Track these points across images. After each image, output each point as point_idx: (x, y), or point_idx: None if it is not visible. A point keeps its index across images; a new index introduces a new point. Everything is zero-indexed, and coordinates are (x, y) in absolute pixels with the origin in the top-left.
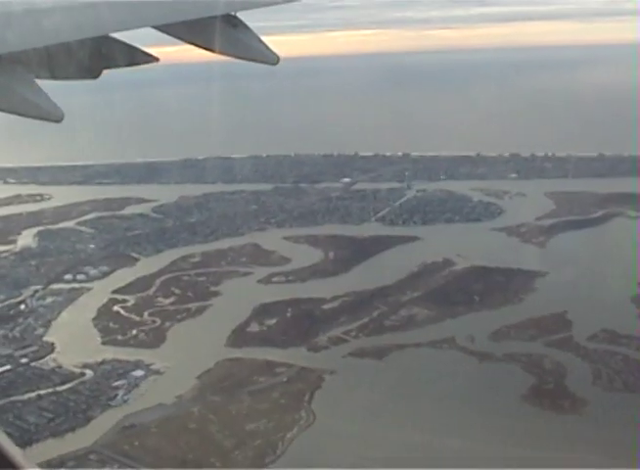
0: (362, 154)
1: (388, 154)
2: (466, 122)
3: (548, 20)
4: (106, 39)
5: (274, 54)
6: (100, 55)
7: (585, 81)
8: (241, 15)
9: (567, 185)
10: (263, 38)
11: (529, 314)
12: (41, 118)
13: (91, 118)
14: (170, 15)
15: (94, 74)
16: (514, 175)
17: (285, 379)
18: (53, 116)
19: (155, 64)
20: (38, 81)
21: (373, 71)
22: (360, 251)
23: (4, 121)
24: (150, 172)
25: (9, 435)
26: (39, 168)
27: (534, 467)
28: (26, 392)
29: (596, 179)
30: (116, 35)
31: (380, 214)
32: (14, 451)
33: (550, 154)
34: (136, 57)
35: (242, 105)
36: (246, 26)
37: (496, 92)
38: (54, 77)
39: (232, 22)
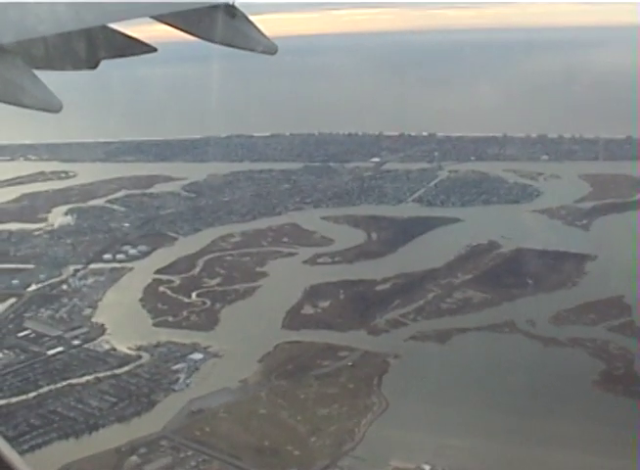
0: (387, 133)
1: (413, 134)
2: (484, 103)
3: (551, 1)
4: (103, 29)
5: (273, 44)
6: (97, 45)
7: (598, 62)
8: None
9: (599, 167)
10: (269, 16)
11: (586, 298)
12: (39, 109)
13: (108, 97)
14: (168, 4)
15: (92, 65)
16: (545, 157)
17: (350, 363)
18: (51, 106)
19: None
20: (36, 72)
21: (383, 51)
22: (403, 232)
23: None
24: (172, 150)
25: (72, 419)
26: (59, 145)
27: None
28: (84, 375)
29: (627, 162)
30: (114, 25)
31: (416, 195)
32: (12, 456)
33: (577, 136)
34: (134, 47)
35: (251, 84)
36: (244, 16)
37: (510, 73)
38: (51, 68)
39: (230, 11)
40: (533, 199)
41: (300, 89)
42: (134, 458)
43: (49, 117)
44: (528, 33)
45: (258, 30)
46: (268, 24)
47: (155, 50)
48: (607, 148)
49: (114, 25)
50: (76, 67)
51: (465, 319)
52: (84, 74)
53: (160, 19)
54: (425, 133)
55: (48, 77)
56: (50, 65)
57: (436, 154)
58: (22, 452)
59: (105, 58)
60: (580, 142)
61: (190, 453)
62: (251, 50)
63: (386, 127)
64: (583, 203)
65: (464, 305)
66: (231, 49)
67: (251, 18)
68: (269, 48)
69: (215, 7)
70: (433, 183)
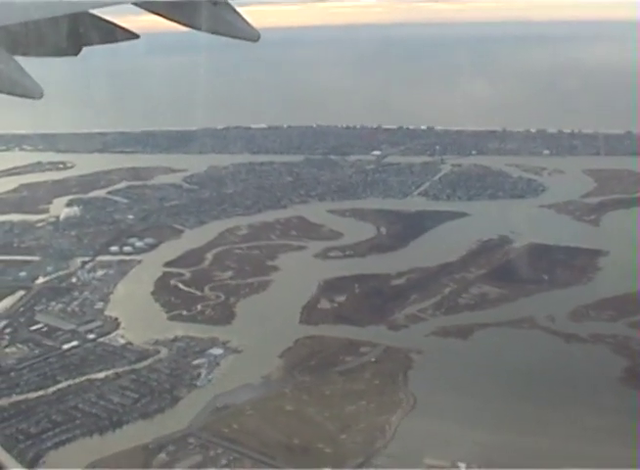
0: (385, 126)
1: (411, 127)
2: (480, 97)
3: None
4: (85, 16)
5: (255, 30)
6: (79, 32)
7: (588, 57)
8: None
9: (601, 163)
10: (255, 8)
11: (602, 294)
12: (20, 95)
13: (101, 86)
14: None
15: (73, 51)
16: (546, 152)
17: (373, 359)
18: (32, 92)
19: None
20: (19, 58)
21: (371, 44)
22: (412, 226)
23: None
24: (170, 141)
25: (94, 415)
26: (54, 136)
27: None
28: (102, 370)
29: (629, 157)
30: (96, 12)
31: (421, 189)
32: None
33: (577, 131)
34: (116, 34)
35: (241, 75)
36: (226, 3)
37: (501, 67)
38: (33, 54)
39: None
40: (539, 194)
41: (290, 81)
42: (162, 456)
43: (40, 105)
44: (517, 27)
45: (241, 18)
46: (255, 16)
47: (137, 37)
48: (607, 143)
49: (96, 12)
50: (58, 53)
51: (484, 315)
52: (72, 64)
53: (145, 6)
54: (423, 127)
55: (44, 66)
56: (32, 51)
57: (437, 147)
58: (45, 449)
59: (87, 44)
60: (580, 137)
61: (220, 451)
62: (234, 37)
63: (383, 120)
64: (590, 198)
65: (481, 300)
66: (220, 39)
67: (238, 10)
68: (252, 35)
69: None
70: (437, 177)
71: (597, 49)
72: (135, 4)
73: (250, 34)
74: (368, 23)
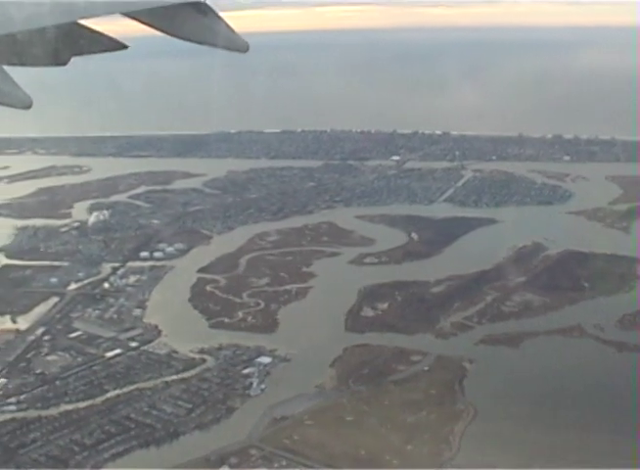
0: (400, 131)
1: (427, 132)
2: (490, 102)
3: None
4: (74, 26)
5: (244, 41)
6: (68, 42)
7: (588, 64)
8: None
9: (623, 169)
10: (252, 12)
11: None
12: (9, 105)
13: (113, 90)
14: (139, 2)
15: (62, 61)
16: (566, 158)
17: (426, 368)
18: (21, 102)
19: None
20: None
21: (368, 48)
22: (443, 232)
23: None
24: (184, 145)
25: (149, 426)
26: (66, 139)
27: None
28: (150, 378)
29: None
30: (85, 22)
31: (446, 195)
32: None
33: (593, 137)
34: (104, 44)
35: (244, 80)
36: (215, 14)
37: (502, 72)
38: (22, 64)
39: (201, 9)
40: (566, 200)
41: (293, 86)
42: (226, 469)
43: (48, 109)
44: (515, 33)
45: (230, 28)
46: (252, 21)
47: (125, 47)
48: (625, 149)
49: (84, 22)
50: (47, 63)
51: (531, 323)
52: (69, 67)
53: (132, 15)
54: (438, 132)
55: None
56: (21, 61)
57: (457, 153)
58: (103, 461)
59: (75, 54)
60: (598, 143)
61: (284, 464)
62: (222, 48)
63: (397, 125)
64: (618, 205)
65: (525, 308)
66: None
67: (236, 14)
68: (240, 46)
69: (187, 4)
70: (460, 183)
71: (607, 55)
72: (123, 14)
73: (238, 45)
74: (365, 27)
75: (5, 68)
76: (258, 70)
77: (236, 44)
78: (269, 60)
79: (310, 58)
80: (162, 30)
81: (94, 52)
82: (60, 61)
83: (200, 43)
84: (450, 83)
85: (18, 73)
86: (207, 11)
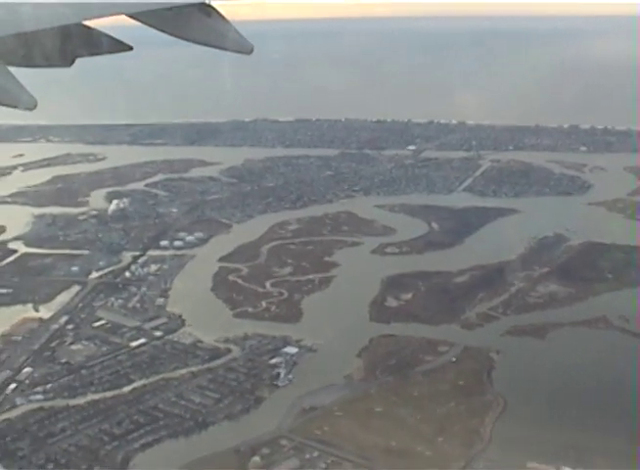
0: (415, 121)
1: (442, 121)
2: (506, 92)
3: None
4: (79, 27)
5: (248, 43)
6: (73, 43)
7: (604, 53)
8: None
9: None
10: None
11: None
12: (13, 106)
13: (125, 78)
14: (143, 3)
15: (67, 62)
16: (583, 148)
17: (454, 359)
18: (25, 104)
19: None
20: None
21: (369, 37)
22: (463, 222)
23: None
24: (199, 134)
25: (177, 416)
26: (80, 127)
27: None
28: (176, 368)
29: None
30: (89, 23)
31: (465, 184)
32: None
33: (610, 127)
34: (109, 45)
35: (258, 68)
36: (220, 15)
37: (523, 62)
38: (27, 65)
39: (206, 10)
40: (585, 191)
41: (298, 75)
42: (257, 460)
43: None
44: (528, 22)
45: (234, 30)
46: (268, 9)
47: (130, 48)
48: None
49: (89, 23)
50: (52, 64)
51: (556, 314)
52: (83, 60)
53: (136, 16)
54: (454, 121)
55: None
56: (26, 62)
57: (474, 143)
58: (133, 451)
59: (80, 56)
60: (614, 134)
61: (316, 455)
62: (227, 49)
63: (412, 115)
64: (637, 196)
65: (550, 299)
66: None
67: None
68: (245, 47)
69: (191, 6)
70: (478, 172)
71: (624, 44)
72: (127, 15)
73: (243, 47)
74: (378, 16)
75: (10, 69)
76: (271, 59)
77: (241, 46)
78: (281, 49)
79: (323, 46)
80: (166, 32)
81: (99, 53)
82: (64, 62)
83: (204, 44)
84: (465, 73)
85: (24, 70)
86: (212, 12)
